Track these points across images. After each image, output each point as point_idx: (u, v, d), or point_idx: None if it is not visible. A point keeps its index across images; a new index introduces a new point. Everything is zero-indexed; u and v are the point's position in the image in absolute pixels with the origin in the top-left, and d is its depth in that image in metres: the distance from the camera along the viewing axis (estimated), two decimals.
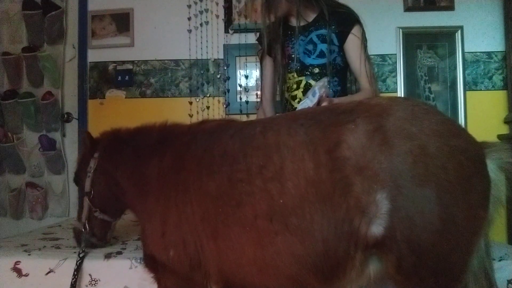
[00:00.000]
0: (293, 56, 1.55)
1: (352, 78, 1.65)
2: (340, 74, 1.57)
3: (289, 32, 1.57)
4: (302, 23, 1.53)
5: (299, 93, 1.56)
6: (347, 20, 1.48)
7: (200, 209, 0.98)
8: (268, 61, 1.66)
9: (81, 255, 1.19)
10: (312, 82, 1.53)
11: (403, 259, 0.79)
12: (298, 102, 1.51)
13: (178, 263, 1.01)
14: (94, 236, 1.29)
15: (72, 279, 1.15)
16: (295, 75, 1.57)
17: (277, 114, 1.30)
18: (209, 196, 0.96)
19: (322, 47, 1.51)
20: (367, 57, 1.49)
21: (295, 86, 1.57)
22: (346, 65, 1.55)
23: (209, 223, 0.96)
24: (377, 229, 0.80)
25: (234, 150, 0.98)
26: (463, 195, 0.79)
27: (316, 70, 1.52)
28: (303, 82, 1.55)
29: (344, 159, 0.83)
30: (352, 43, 1.47)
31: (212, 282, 1.00)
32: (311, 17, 1.54)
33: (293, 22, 1.55)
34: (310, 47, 1.53)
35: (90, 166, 1.26)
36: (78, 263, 1.18)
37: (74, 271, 1.17)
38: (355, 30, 1.47)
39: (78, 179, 1.34)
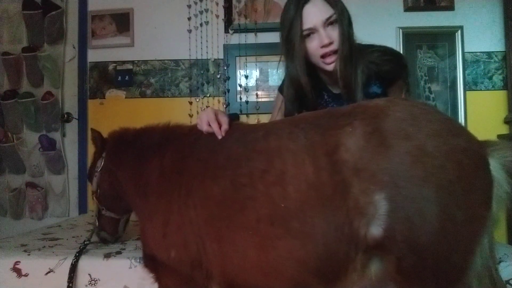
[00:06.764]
0: None
1: None
2: None
3: (327, 95, 1.39)
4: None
5: None
6: (391, 76, 1.34)
7: (204, 212, 0.98)
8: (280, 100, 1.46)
9: (81, 247, 1.27)
10: None
11: (403, 260, 0.79)
12: None
13: (179, 263, 1.02)
14: (105, 231, 1.40)
15: (68, 280, 1.18)
16: None
17: (280, 119, 1.28)
18: (213, 199, 0.97)
19: None
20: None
21: None
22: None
23: (213, 226, 0.96)
24: (376, 230, 0.80)
25: (238, 154, 0.98)
26: (463, 195, 0.78)
27: None
28: None
29: (343, 162, 0.83)
30: (394, 93, 1.35)
31: (214, 283, 1.00)
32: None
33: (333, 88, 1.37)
34: None
35: (97, 165, 1.32)
36: (76, 254, 1.23)
37: (70, 270, 1.19)
38: (399, 82, 1.34)
39: (90, 178, 1.40)
